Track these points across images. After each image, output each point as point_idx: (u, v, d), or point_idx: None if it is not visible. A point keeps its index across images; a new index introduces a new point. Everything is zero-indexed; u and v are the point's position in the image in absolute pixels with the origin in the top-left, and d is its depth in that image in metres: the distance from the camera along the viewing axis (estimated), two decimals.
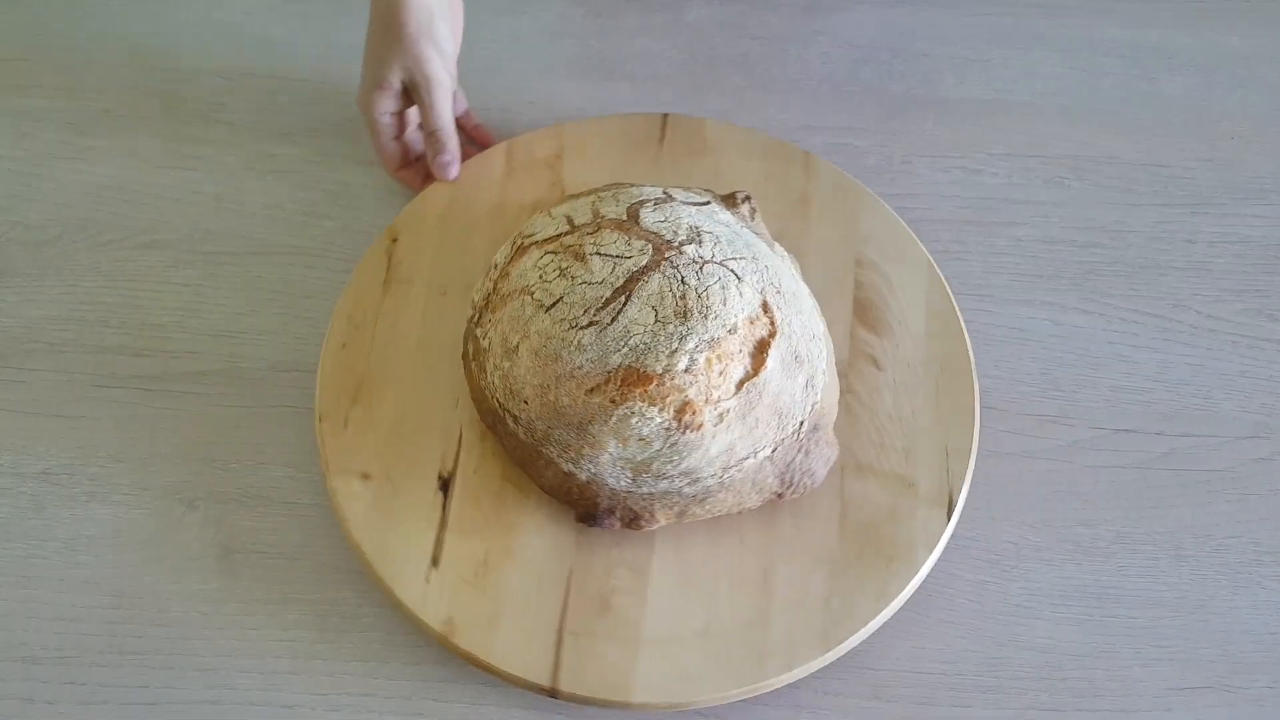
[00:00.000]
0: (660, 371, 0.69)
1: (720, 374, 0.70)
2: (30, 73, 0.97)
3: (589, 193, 0.80)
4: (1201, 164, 0.93)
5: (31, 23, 1.00)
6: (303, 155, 0.93)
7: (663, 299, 0.70)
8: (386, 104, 0.86)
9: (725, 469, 0.71)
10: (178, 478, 0.79)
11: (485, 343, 0.75)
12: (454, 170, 0.87)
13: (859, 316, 0.82)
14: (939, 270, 0.83)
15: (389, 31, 0.83)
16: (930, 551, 0.74)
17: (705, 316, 0.70)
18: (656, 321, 0.70)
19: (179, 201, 0.90)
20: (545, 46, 0.97)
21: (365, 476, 0.75)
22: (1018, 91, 0.97)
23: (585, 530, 0.74)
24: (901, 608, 0.73)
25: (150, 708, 0.72)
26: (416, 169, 0.90)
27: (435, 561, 0.73)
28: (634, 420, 0.69)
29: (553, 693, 0.70)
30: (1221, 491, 0.79)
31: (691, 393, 0.69)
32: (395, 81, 0.85)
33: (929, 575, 0.74)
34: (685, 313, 0.70)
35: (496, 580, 0.73)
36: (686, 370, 0.69)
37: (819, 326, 0.77)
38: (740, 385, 0.70)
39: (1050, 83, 0.97)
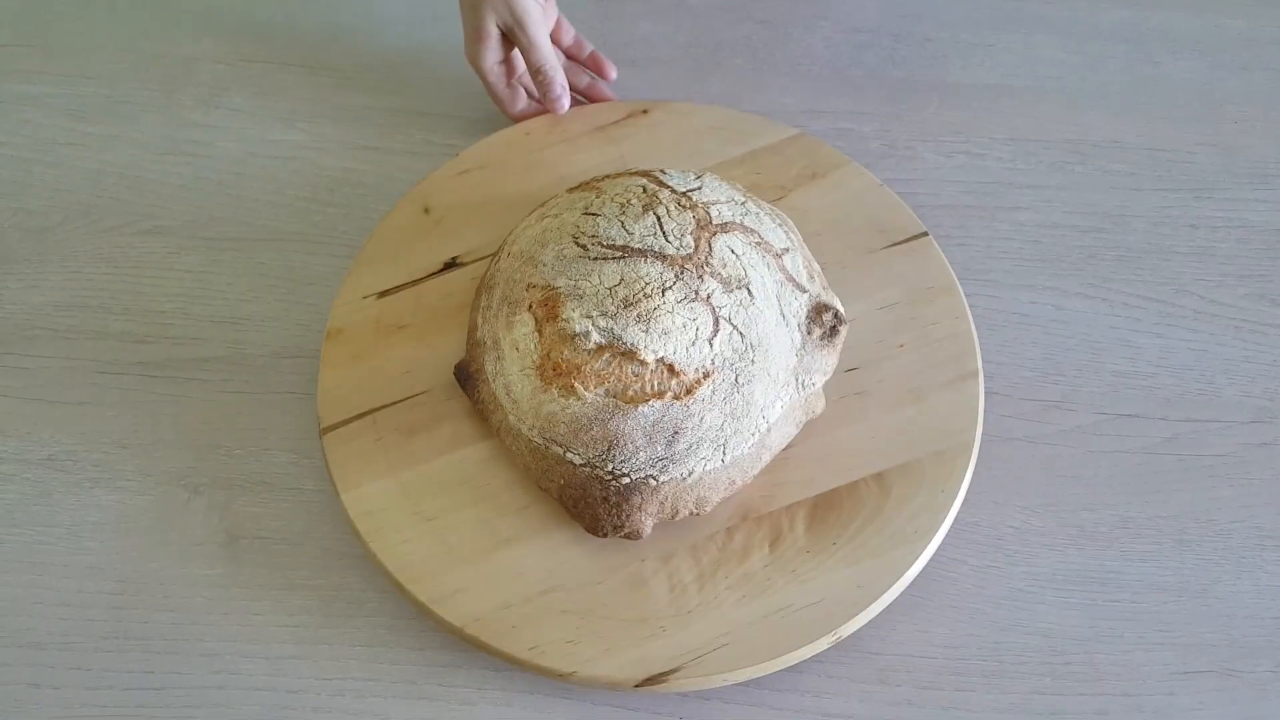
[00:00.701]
0: (564, 318, 0.71)
1: (597, 373, 0.70)
2: (32, 59, 0.97)
3: (749, 195, 0.80)
4: (1204, 148, 0.93)
5: (33, 9, 0.99)
6: (305, 141, 0.93)
7: (635, 282, 0.71)
8: (491, 54, 0.88)
9: (530, 429, 0.73)
10: (182, 464, 0.79)
11: (549, 208, 0.79)
12: (565, 103, 0.89)
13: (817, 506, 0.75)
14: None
15: None
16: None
17: (633, 323, 0.70)
18: (609, 290, 0.71)
19: (181, 187, 0.90)
20: None
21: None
22: (1021, 76, 0.97)
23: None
24: (904, 591, 0.73)
25: (156, 693, 0.72)
26: (536, 107, 0.92)
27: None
28: (523, 331, 0.72)
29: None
30: (1224, 476, 0.79)
31: (565, 354, 0.71)
32: (492, 28, 0.86)
33: (932, 559, 0.74)
34: (631, 305, 0.71)
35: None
36: (575, 337, 0.71)
37: (739, 450, 0.72)
38: (605, 395, 0.70)
39: (1053, 67, 0.97)
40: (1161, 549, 0.77)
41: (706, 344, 0.71)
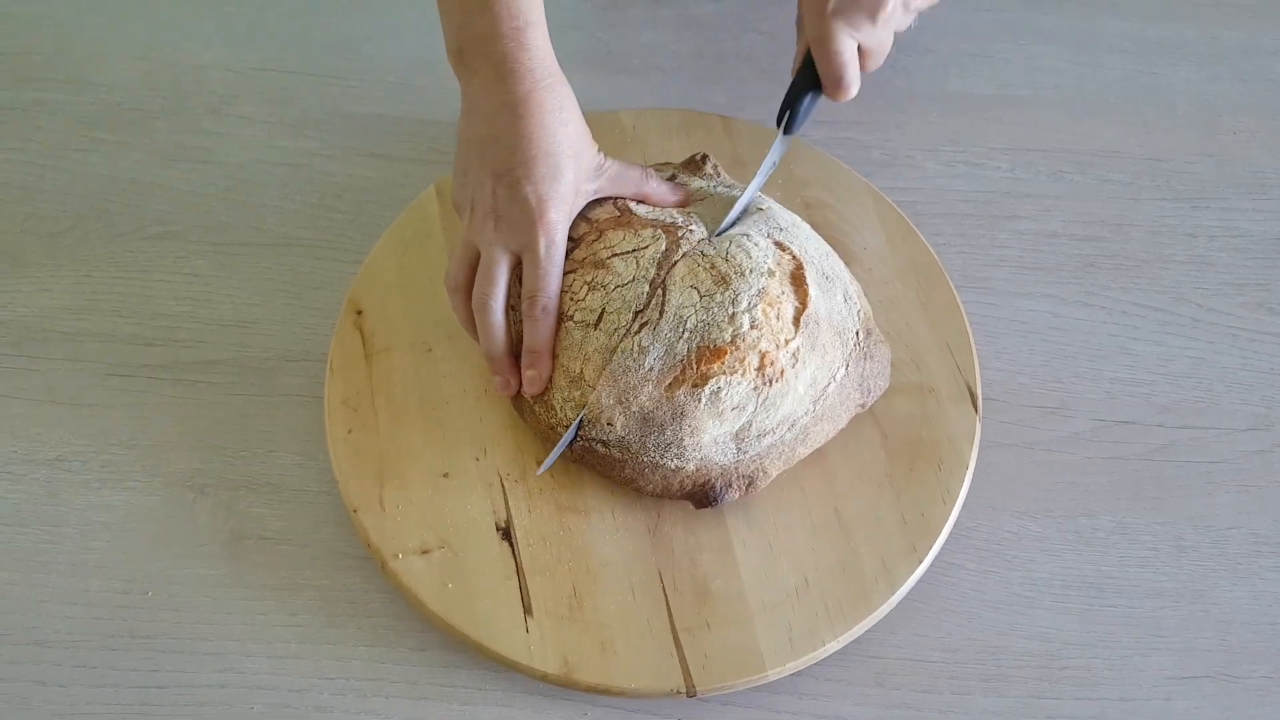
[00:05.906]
0: (729, 339, 0.71)
1: (777, 317, 0.72)
2: (43, 66, 0.98)
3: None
4: (1203, 158, 0.93)
5: (43, 17, 1.01)
6: (312, 148, 0.94)
7: (697, 276, 0.73)
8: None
9: (815, 402, 0.74)
10: (188, 465, 0.80)
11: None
12: (504, 389, 0.76)
13: None
14: (877, 190, 0.87)
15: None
16: (972, 445, 0.77)
17: (742, 274, 0.72)
18: (702, 297, 0.72)
19: (190, 193, 0.91)
20: (553, 39, 0.97)
21: (424, 551, 0.74)
22: (1020, 86, 0.97)
23: (655, 530, 0.75)
24: (903, 596, 0.74)
25: (160, 691, 0.72)
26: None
27: (528, 609, 0.72)
28: (723, 394, 0.71)
29: (690, 693, 0.70)
30: (1221, 483, 0.80)
31: (763, 345, 0.71)
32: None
33: (930, 564, 0.75)
34: (724, 279, 0.72)
35: (593, 606, 0.72)
36: (751, 328, 0.71)
37: (825, 244, 0.79)
38: (797, 321, 0.72)
39: (1053, 77, 0.98)
40: (1158, 555, 0.77)
41: (755, 237, 0.76)
